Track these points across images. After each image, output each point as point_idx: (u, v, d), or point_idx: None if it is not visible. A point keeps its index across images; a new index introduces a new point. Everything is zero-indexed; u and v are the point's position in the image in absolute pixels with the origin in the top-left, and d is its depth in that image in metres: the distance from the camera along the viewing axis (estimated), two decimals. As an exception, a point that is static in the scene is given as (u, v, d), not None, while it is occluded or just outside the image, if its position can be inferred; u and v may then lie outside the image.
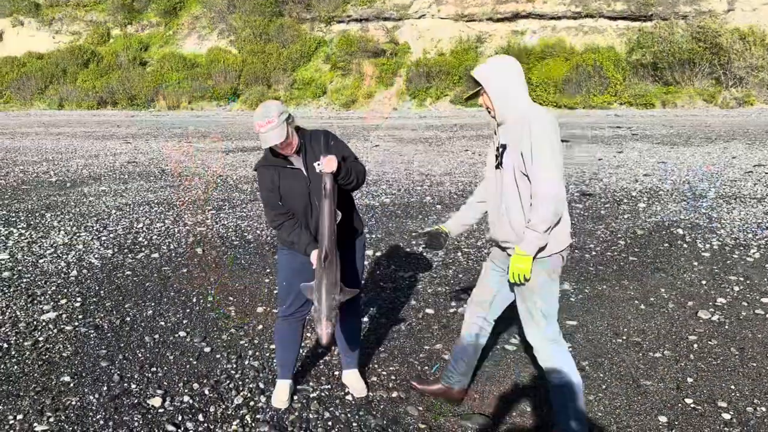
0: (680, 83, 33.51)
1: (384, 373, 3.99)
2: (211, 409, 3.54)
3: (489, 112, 3.06)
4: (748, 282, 5.62)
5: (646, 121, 25.88)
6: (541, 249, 2.90)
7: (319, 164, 3.22)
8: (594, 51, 34.42)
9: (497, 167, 3.04)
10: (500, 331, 4.59)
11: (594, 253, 6.59)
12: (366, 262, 6.00)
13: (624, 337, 4.49)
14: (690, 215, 8.25)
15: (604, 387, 3.75)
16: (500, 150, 3.01)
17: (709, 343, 4.38)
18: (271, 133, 3.12)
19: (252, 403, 3.60)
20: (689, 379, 3.85)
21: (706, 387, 3.75)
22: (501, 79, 2.96)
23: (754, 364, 4.02)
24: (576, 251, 6.66)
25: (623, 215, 8.31)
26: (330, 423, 3.40)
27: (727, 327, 4.65)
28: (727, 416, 3.42)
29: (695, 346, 4.33)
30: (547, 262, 2.95)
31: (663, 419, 3.39)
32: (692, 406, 3.54)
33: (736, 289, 5.45)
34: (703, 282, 5.65)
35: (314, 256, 3.18)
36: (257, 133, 3.15)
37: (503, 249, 3.12)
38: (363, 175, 3.31)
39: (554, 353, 3.02)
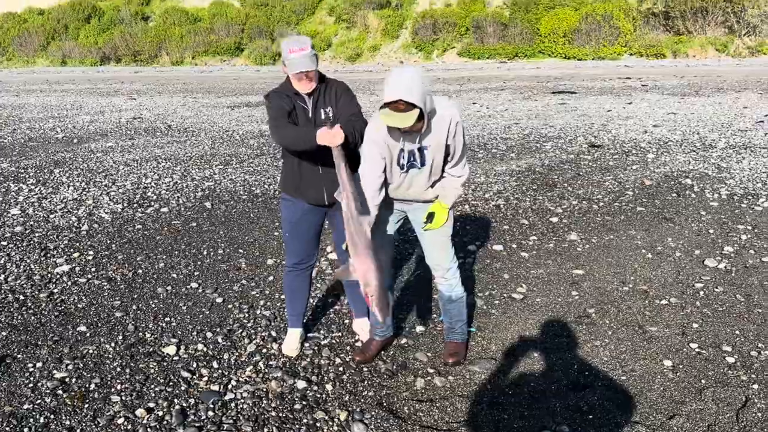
0: (692, 32, 32.80)
1: (394, 321, 4.05)
2: (225, 357, 3.62)
3: (403, 130, 2.96)
4: (756, 231, 5.63)
5: (657, 71, 25.48)
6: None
7: (326, 111, 3.27)
8: (604, 0, 33.62)
9: (408, 170, 3.16)
10: (507, 281, 4.65)
11: (602, 204, 6.59)
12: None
13: (630, 285, 4.53)
14: (699, 165, 8.20)
15: (610, 333, 3.81)
16: (414, 155, 3.10)
17: (716, 290, 4.41)
18: (303, 59, 3.08)
19: (264, 351, 3.68)
20: (695, 325, 3.89)
21: (711, 332, 3.80)
22: (427, 95, 2.87)
23: (760, 311, 4.06)
24: (583, 202, 6.66)
25: (632, 166, 8.27)
26: (341, 368, 3.48)
27: (733, 275, 4.68)
28: (731, 360, 3.48)
29: (701, 293, 4.37)
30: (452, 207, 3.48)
31: (668, 363, 3.45)
32: (697, 350, 3.59)
33: (744, 237, 5.46)
34: (711, 231, 5.65)
35: (320, 135, 3.02)
36: (287, 57, 3.09)
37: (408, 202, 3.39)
38: (361, 134, 3.18)
39: (458, 273, 3.53)
